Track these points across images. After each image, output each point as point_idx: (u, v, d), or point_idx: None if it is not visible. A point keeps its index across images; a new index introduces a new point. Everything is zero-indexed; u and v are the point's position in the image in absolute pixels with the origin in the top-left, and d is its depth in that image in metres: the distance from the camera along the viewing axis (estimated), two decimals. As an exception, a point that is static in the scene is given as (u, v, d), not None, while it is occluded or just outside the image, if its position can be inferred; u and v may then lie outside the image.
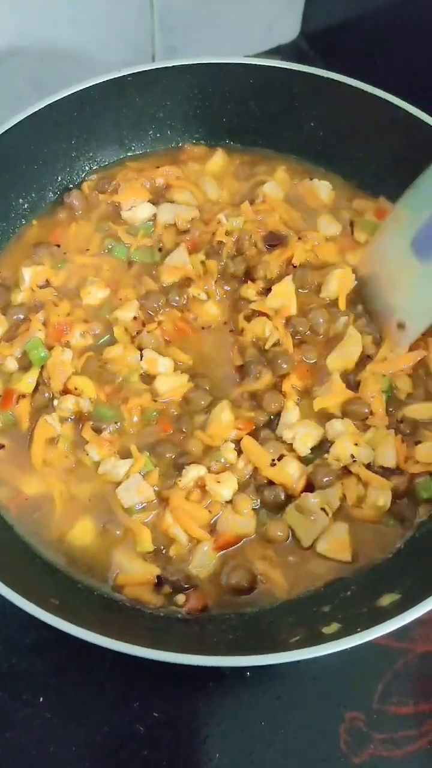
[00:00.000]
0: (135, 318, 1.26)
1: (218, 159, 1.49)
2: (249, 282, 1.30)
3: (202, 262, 1.33)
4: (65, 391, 1.18)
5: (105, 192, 1.43)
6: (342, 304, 1.28)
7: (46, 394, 1.19)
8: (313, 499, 1.08)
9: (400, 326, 1.17)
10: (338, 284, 1.28)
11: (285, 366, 1.21)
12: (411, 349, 1.21)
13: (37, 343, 1.21)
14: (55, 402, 1.17)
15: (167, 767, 1.02)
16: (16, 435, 1.17)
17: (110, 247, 1.36)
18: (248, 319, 1.27)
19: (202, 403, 1.18)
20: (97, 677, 1.08)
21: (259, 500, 1.11)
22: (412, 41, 1.57)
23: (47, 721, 1.05)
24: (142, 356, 1.21)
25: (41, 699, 1.06)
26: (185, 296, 1.30)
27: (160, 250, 1.36)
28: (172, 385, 1.20)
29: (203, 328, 1.29)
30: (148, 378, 1.21)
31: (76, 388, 1.17)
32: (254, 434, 1.15)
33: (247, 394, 1.20)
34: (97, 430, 1.15)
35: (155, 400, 1.19)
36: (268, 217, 1.37)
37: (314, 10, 1.86)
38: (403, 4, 1.62)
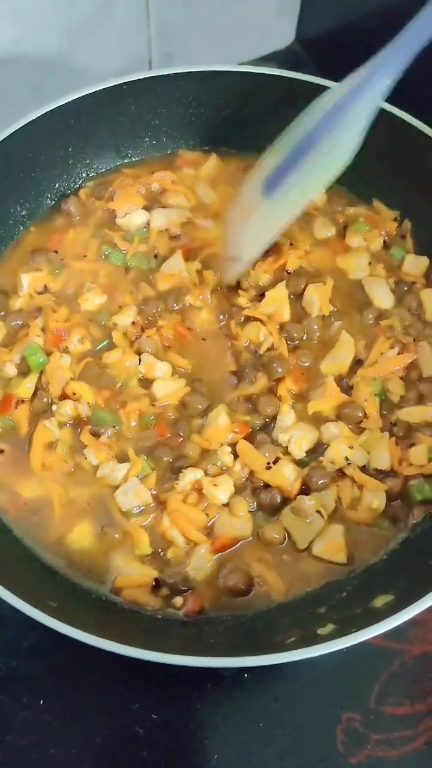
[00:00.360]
0: (134, 323, 1.27)
1: (212, 164, 1.50)
2: (240, 291, 1.31)
3: (198, 271, 1.33)
4: (64, 396, 1.19)
5: (101, 198, 1.43)
6: (326, 310, 1.28)
7: (45, 399, 1.19)
8: (308, 502, 1.09)
9: (233, 259, 1.23)
10: (319, 298, 1.28)
11: (280, 370, 1.21)
12: (400, 353, 1.23)
13: (36, 348, 1.22)
14: (54, 407, 1.18)
15: (165, 768, 1.03)
16: (15, 440, 1.18)
17: (107, 253, 1.36)
18: (241, 325, 1.28)
19: (199, 407, 1.18)
20: (96, 679, 1.08)
21: (255, 503, 1.12)
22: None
23: (47, 723, 1.06)
24: (140, 361, 1.22)
25: (41, 701, 1.07)
26: (182, 302, 1.30)
27: (155, 257, 1.36)
28: (169, 389, 1.21)
29: (203, 339, 1.29)
30: (146, 382, 1.22)
31: (74, 393, 1.18)
32: (250, 437, 1.16)
33: (243, 397, 1.21)
34: (96, 435, 1.16)
35: (153, 405, 1.20)
36: (262, 221, 1.37)
37: (309, 16, 1.86)
38: (399, 9, 1.62)
